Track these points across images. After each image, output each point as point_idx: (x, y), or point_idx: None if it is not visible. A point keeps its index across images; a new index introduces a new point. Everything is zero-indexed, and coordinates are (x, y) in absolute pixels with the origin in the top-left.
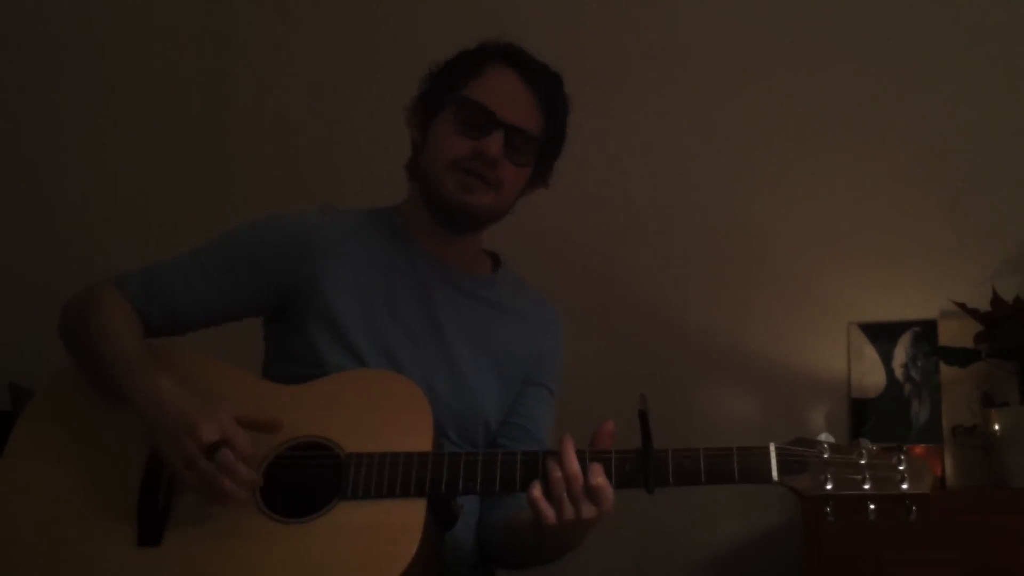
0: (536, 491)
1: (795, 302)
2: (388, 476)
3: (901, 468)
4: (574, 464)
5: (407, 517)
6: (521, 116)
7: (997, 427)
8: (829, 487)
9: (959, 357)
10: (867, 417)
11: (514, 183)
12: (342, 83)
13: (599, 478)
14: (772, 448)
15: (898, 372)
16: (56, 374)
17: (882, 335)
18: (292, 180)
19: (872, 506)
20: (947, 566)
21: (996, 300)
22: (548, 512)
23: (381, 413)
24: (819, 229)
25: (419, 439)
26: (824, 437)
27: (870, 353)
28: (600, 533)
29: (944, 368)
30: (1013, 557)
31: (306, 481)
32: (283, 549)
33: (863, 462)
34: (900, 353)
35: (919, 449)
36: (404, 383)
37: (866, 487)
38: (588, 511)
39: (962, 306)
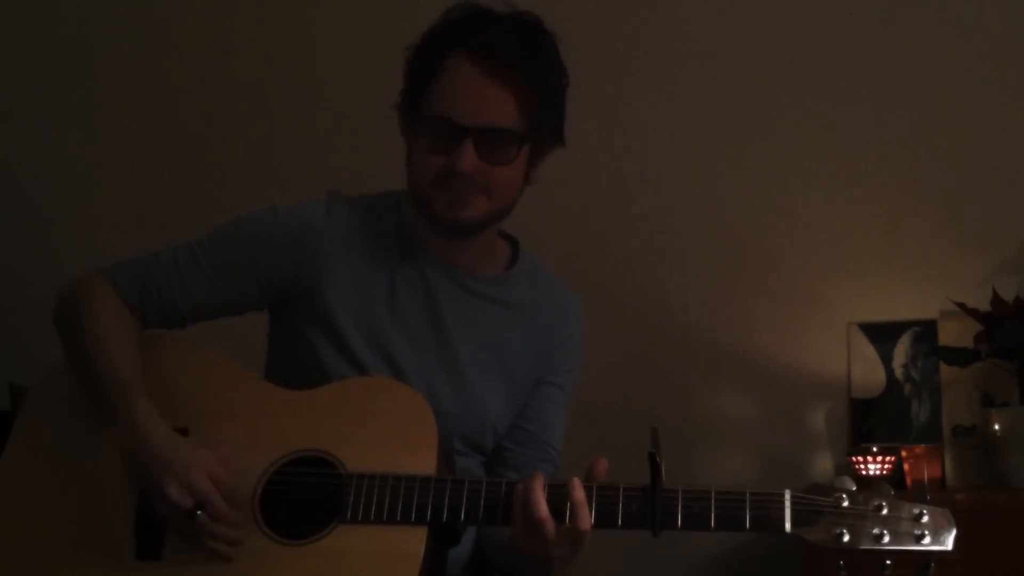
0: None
1: (795, 302)
2: (389, 500)
3: (923, 522)
4: (543, 509)
5: (407, 546)
6: (491, 112)
7: (997, 427)
8: (846, 540)
9: (959, 357)
10: (867, 417)
11: (507, 180)
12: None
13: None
14: (787, 496)
15: (898, 372)
16: (49, 372)
17: (882, 335)
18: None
19: (888, 561)
20: (947, 566)
21: (996, 300)
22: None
23: (384, 425)
24: (819, 229)
25: (423, 456)
26: (846, 484)
27: (870, 353)
28: (600, 533)
29: (944, 368)
30: (1013, 557)
31: (306, 498)
32: (282, 572)
33: (883, 514)
34: (900, 353)
35: (919, 449)
36: (408, 393)
37: (885, 542)
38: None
39: (962, 306)
